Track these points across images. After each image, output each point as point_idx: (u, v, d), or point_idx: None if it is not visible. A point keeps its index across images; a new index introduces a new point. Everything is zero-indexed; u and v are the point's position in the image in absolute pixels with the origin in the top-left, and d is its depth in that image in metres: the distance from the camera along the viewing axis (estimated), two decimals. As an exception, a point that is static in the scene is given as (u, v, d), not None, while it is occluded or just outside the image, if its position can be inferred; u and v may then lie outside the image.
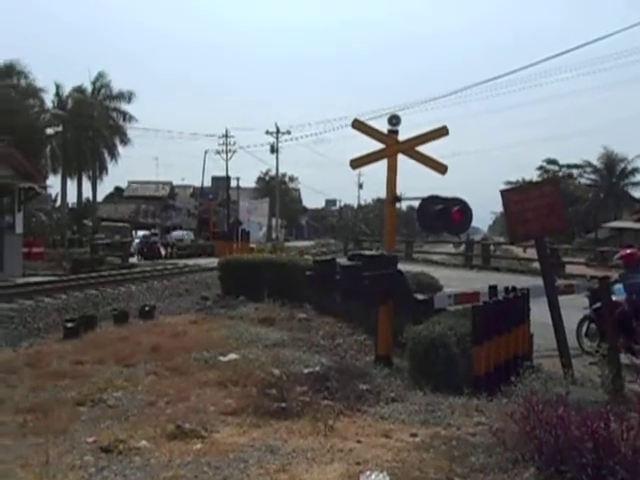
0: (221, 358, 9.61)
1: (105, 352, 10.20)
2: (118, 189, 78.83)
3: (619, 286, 11.06)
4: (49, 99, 52.10)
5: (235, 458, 5.43)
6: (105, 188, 70.68)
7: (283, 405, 7.02)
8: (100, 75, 55.44)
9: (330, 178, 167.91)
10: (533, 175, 72.49)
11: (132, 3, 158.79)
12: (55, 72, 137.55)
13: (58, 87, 52.81)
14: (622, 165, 63.49)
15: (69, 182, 53.37)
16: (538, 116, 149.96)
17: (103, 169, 55.35)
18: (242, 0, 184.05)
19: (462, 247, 40.87)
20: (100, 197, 64.77)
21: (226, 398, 7.50)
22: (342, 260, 11.40)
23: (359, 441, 5.93)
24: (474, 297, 10.52)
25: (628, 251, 11.74)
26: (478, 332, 8.17)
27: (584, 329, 11.66)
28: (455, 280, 19.54)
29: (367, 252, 12.54)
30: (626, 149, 66.61)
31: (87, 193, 56.72)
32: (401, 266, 10.65)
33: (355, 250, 35.30)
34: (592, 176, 66.69)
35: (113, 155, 55.34)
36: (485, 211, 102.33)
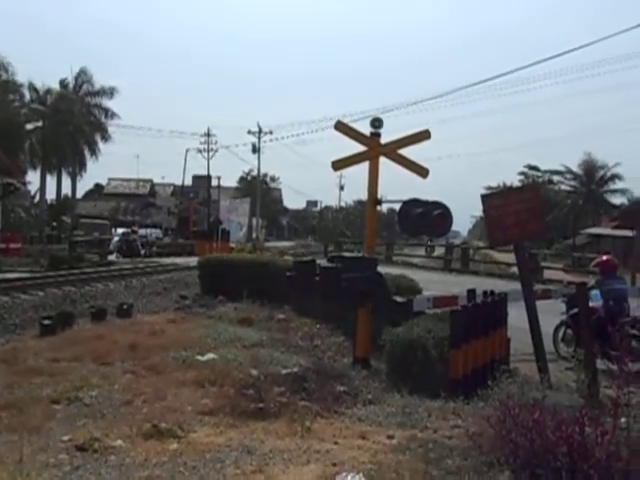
0: (199, 357, 9.57)
1: (82, 350, 10.12)
2: (98, 186, 78.46)
3: (596, 292, 11.17)
4: (30, 94, 51.79)
5: (212, 458, 5.41)
6: (85, 185, 70.40)
7: (260, 405, 7.01)
8: (82, 71, 55.19)
9: (312, 179, 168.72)
10: (514, 180, 73.18)
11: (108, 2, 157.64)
12: (38, 68, 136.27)
13: (30, 83, 52.43)
14: (601, 172, 64.10)
15: (48, 178, 53.13)
16: (520, 121, 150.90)
17: (83, 165, 55.08)
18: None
19: (434, 252, 41.10)
20: (80, 194, 64.54)
21: (203, 398, 7.47)
22: (322, 261, 11.40)
23: (336, 442, 5.93)
24: (452, 301, 10.58)
25: (605, 258, 11.87)
26: (456, 335, 8.21)
27: (560, 334, 11.76)
28: (434, 283, 19.62)
29: (347, 254, 12.53)
30: (606, 156, 67.18)
31: (66, 189, 56.47)
32: (381, 269, 10.67)
33: (335, 252, 35.34)
34: (572, 182, 67.24)
35: (93, 152, 55.08)
36: (465, 215, 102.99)
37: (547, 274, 29.65)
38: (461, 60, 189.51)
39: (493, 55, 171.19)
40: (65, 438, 5.93)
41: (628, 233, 39.01)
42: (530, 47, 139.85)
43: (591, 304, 10.36)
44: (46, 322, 12.30)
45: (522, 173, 74.01)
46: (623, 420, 5.06)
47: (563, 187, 69.22)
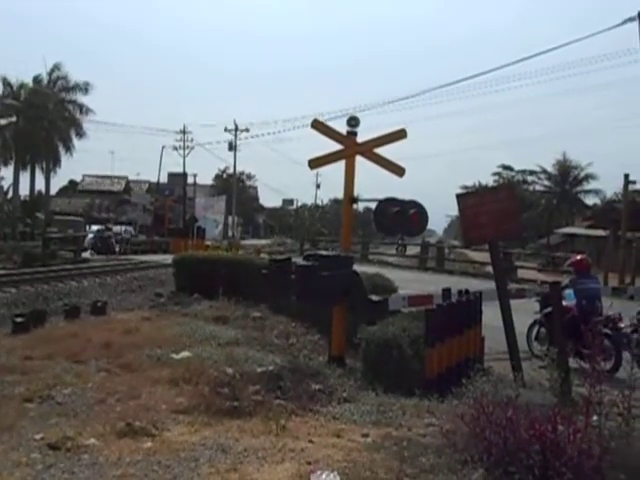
0: (173, 356, 9.51)
1: (55, 348, 10.01)
2: (72, 182, 77.76)
3: (569, 291, 11.29)
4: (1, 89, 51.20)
5: (186, 457, 5.39)
6: (59, 181, 69.73)
7: (235, 404, 6.99)
8: (56, 66, 54.56)
9: (288, 177, 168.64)
10: (489, 180, 73.72)
11: None
12: (11, 63, 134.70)
13: (4, 78, 51.84)
14: (575, 172, 64.74)
15: (22, 174, 52.45)
16: (495, 121, 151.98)
17: (57, 162, 54.43)
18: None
19: (406, 251, 41.25)
20: (54, 190, 63.87)
21: (178, 396, 7.43)
22: (298, 260, 11.40)
23: (311, 441, 5.93)
24: (428, 299, 10.64)
25: (578, 257, 12.00)
26: (431, 334, 8.25)
27: (534, 333, 11.87)
28: (410, 282, 19.70)
29: (323, 252, 12.55)
30: (580, 157, 68.01)
31: (40, 186, 55.83)
32: (357, 267, 10.69)
33: (311, 250, 35.37)
34: (546, 182, 67.86)
35: (68, 148, 54.46)
36: (440, 214, 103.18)
37: (521, 273, 29.93)
38: (440, 59, 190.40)
39: (475, 55, 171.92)
40: (37, 437, 5.87)
41: (601, 233, 39.55)
42: (513, 47, 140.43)
43: (564, 303, 10.48)
44: (18, 320, 12.15)
45: (496, 173, 74.65)
46: (595, 418, 5.12)
47: (537, 187, 69.85)
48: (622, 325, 10.69)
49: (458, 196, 9.42)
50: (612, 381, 6.06)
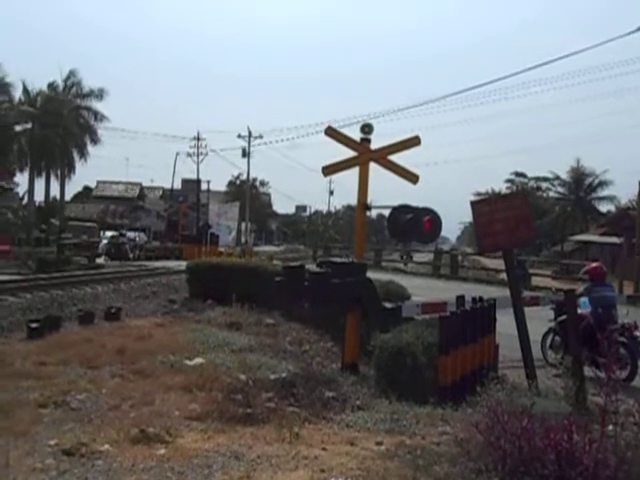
0: (187, 362, 9.54)
1: (69, 353, 10.05)
2: (87, 189, 78.15)
3: (584, 299, 11.23)
4: (17, 96, 51.55)
5: (199, 464, 5.39)
6: (74, 187, 70.13)
7: (249, 411, 6.98)
8: (72, 73, 54.94)
9: (301, 184, 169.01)
10: (502, 187, 73.51)
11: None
12: (26, 69, 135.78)
13: (24, 84, 52.25)
14: (590, 179, 64.44)
15: (37, 180, 52.77)
16: (509, 128, 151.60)
17: (72, 168, 54.75)
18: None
19: (411, 260, 41.16)
20: (68, 196, 64.24)
21: (191, 403, 7.44)
22: (311, 266, 11.40)
23: (324, 448, 5.91)
24: (441, 307, 10.60)
25: (593, 265, 11.93)
26: (445, 342, 8.21)
27: (549, 341, 11.81)
28: (423, 289, 19.66)
29: (336, 259, 12.54)
30: (595, 163, 67.81)
31: (55, 192, 56.16)
32: (370, 274, 10.67)
33: (324, 257, 35.37)
34: (560, 189, 67.58)
35: (82, 154, 54.79)
36: (454, 221, 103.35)
37: (535, 281, 29.81)
38: (454, 67, 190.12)
39: (487, 62, 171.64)
40: (52, 442, 5.89)
41: (616, 240, 39.30)
42: (525, 54, 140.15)
43: (579, 311, 10.41)
44: (33, 325, 12.20)
45: (510, 180, 74.41)
46: (611, 428, 5.07)
47: (551, 194, 69.61)
48: (637, 334, 10.61)
49: (472, 203, 9.39)
50: (628, 390, 6.02)
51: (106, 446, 5.77)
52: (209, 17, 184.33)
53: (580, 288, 11.77)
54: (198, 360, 9.62)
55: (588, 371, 7.99)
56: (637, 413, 5.25)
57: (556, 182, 67.95)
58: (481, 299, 9.56)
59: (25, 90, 52.39)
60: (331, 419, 7.11)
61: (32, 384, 8.15)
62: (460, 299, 9.68)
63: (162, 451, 5.71)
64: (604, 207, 64.58)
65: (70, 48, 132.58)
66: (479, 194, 65.30)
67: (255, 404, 7.22)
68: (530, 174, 72.89)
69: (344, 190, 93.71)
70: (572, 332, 8.53)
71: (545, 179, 69.83)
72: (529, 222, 9.74)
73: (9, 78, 48.89)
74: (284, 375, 8.70)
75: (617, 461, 4.66)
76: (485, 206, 9.65)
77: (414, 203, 10.31)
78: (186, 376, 8.61)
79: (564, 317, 10.34)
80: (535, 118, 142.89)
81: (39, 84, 53.86)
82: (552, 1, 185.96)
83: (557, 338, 11.52)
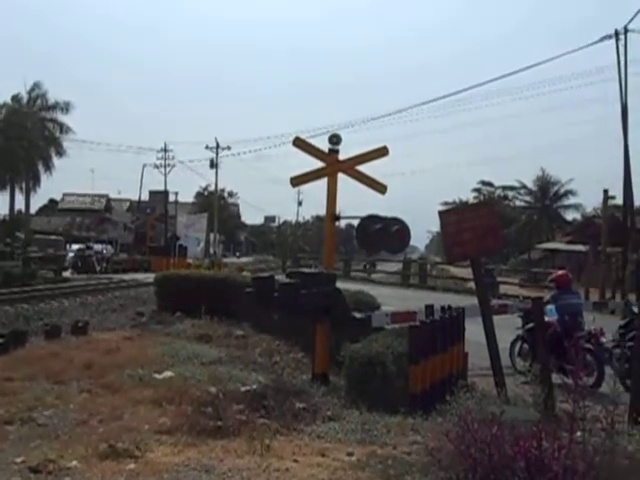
0: (156, 375, 9.45)
1: (36, 368, 9.90)
2: (52, 201, 77.29)
3: (551, 307, 11.35)
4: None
5: (169, 478, 5.33)
6: (39, 200, 69.21)
7: (219, 424, 6.93)
8: (36, 85, 54.39)
9: (270, 194, 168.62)
10: (469, 196, 74.22)
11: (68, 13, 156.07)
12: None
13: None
14: (555, 188, 65.33)
15: (1, 194, 52.11)
16: (475, 138, 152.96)
17: (37, 180, 54.12)
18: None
19: (374, 271, 41.18)
20: (34, 209, 63.44)
21: (161, 416, 7.36)
22: (281, 277, 11.39)
23: (295, 460, 5.89)
24: (411, 316, 10.64)
25: (560, 273, 12.08)
26: (414, 351, 8.24)
27: (517, 349, 11.91)
28: (393, 299, 19.71)
29: (306, 270, 12.54)
30: (559, 172, 68.78)
31: (20, 205, 55.43)
32: (339, 284, 10.68)
33: (294, 267, 35.33)
34: (526, 198, 68.45)
35: (48, 166, 54.18)
36: (422, 230, 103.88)
37: (503, 289, 30.06)
38: (420, 80, 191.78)
39: (453, 74, 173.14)
40: (18, 460, 5.78)
41: (581, 248, 39.81)
42: (494, 64, 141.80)
43: (547, 319, 10.52)
44: (-2, 340, 12.03)
45: (477, 189, 75.17)
46: (579, 434, 5.12)
47: (518, 203, 70.44)
48: (604, 340, 10.75)
49: (440, 213, 9.47)
50: (595, 396, 6.07)
51: (74, 462, 5.68)
52: (174, 22, 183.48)
53: (547, 296, 11.90)
54: (167, 373, 9.54)
55: (556, 378, 8.07)
56: (604, 419, 5.32)
57: (522, 191, 68.93)
58: (450, 308, 9.61)
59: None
60: (302, 430, 7.09)
61: (-3, 400, 8.02)
62: (429, 308, 9.73)
63: (132, 466, 5.64)
64: (570, 215, 65.63)
65: (37, 54, 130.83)
66: (447, 203, 65.83)
67: (225, 417, 7.17)
68: (497, 183, 73.79)
69: (313, 200, 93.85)
70: (540, 340, 8.61)
71: (512, 188, 70.77)
72: (496, 231, 9.84)
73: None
74: (254, 387, 8.66)
75: (585, 467, 4.70)
76: (453, 216, 9.73)
77: (382, 213, 10.37)
78: (155, 390, 8.53)
79: (532, 325, 10.44)
80: (501, 128, 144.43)
81: (3, 97, 53.31)
82: (529, 14, 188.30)
83: (525, 346, 11.62)
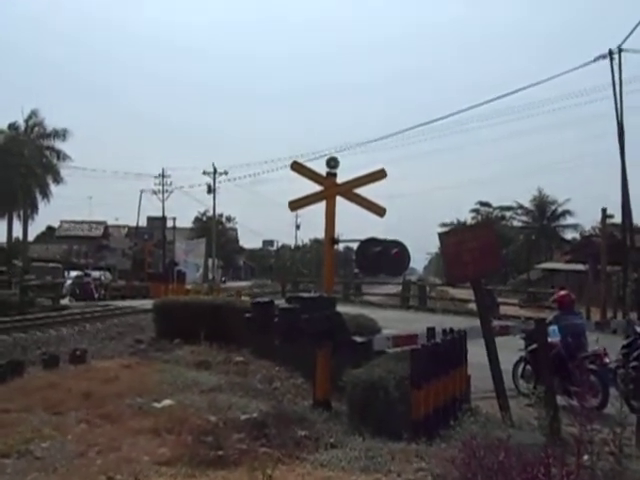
0: (155, 404, 9.33)
1: (33, 399, 9.78)
2: (50, 228, 77.29)
3: (554, 327, 11.25)
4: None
5: (169, 511, 5.22)
6: (37, 227, 69.18)
7: (220, 453, 6.83)
8: (33, 113, 54.59)
9: (268, 219, 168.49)
10: (467, 217, 74.40)
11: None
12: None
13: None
14: (553, 207, 65.48)
15: (-1, 221, 52.09)
16: (472, 158, 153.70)
17: (34, 208, 54.17)
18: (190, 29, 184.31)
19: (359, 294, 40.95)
20: (31, 237, 63.36)
21: (160, 447, 7.25)
22: (280, 301, 11.31)
23: (298, 490, 5.78)
24: (412, 339, 10.53)
25: (561, 293, 11.98)
26: (416, 375, 8.14)
27: (520, 370, 11.80)
28: (393, 321, 19.57)
29: (305, 294, 12.45)
30: (556, 192, 69.06)
31: (18, 232, 55.41)
32: (339, 308, 10.59)
33: (293, 291, 35.23)
34: (524, 218, 68.61)
35: (45, 194, 54.26)
36: (420, 252, 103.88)
37: (503, 309, 29.90)
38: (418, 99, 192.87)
39: (448, 92, 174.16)
40: (15, 494, 5.68)
41: (581, 267, 39.77)
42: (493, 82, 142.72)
43: (549, 340, 10.42)
44: (-5, 371, 11.90)
45: (475, 210, 75.33)
46: (586, 458, 5.02)
47: (515, 223, 70.60)
48: (607, 360, 10.65)
49: (440, 235, 9.42)
50: (600, 418, 5.98)
51: (72, 496, 5.57)
52: (169, 55, 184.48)
53: (549, 316, 11.81)
54: (167, 402, 9.43)
55: (560, 400, 7.97)
56: (612, 442, 5.22)
57: (520, 211, 69.16)
58: (451, 330, 9.52)
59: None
60: (304, 459, 6.97)
61: (-6, 432, 7.89)
62: (430, 331, 9.64)
63: (131, 499, 5.53)
64: (568, 235, 65.67)
65: (31, 88, 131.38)
66: (445, 225, 66.08)
67: (226, 446, 7.06)
68: (494, 204, 73.95)
69: (310, 223, 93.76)
70: (544, 361, 8.52)
71: (509, 208, 70.96)
72: (497, 251, 9.79)
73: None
74: (255, 415, 8.54)
75: (595, 492, 4.61)
76: (452, 237, 9.69)
77: (380, 235, 10.33)
78: (154, 419, 8.41)
79: (535, 346, 10.34)
80: (497, 148, 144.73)
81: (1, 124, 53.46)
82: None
83: (528, 367, 11.51)
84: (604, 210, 31.00)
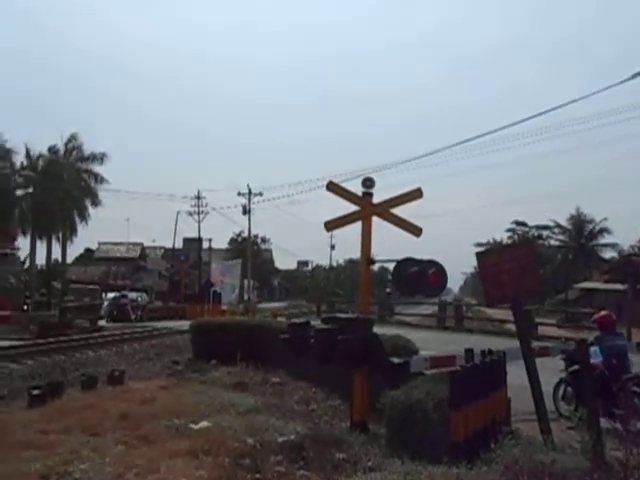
0: (192, 426, 9.33)
1: (72, 420, 9.85)
2: (88, 250, 78.32)
3: (595, 348, 11.02)
4: (19, 160, 52.11)
5: (207, 535, 5.18)
6: (75, 249, 70.06)
7: (257, 476, 6.80)
8: (72, 137, 55.47)
9: (302, 239, 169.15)
10: (503, 236, 73.69)
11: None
12: (27, 133, 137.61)
13: (27, 147, 52.80)
14: (590, 226, 64.62)
15: (38, 244, 52.87)
16: (506, 177, 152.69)
17: (73, 230, 54.90)
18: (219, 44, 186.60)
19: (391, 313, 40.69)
20: (70, 259, 64.15)
21: (198, 469, 7.23)
22: (316, 322, 11.27)
23: (337, 514, 5.70)
24: (450, 360, 10.38)
25: (602, 314, 11.75)
26: (456, 397, 8.01)
27: (560, 392, 11.58)
28: (430, 342, 19.41)
29: (342, 315, 12.39)
30: (593, 210, 68.24)
31: (57, 254, 56.19)
32: (376, 328, 10.51)
33: (328, 312, 35.16)
34: (561, 237, 67.76)
35: (83, 216, 54.99)
36: (456, 272, 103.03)
37: (541, 330, 29.52)
38: (455, 119, 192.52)
39: (486, 115, 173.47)
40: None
41: (620, 287, 39.14)
42: (524, 105, 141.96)
43: (591, 361, 10.22)
44: (35, 392, 12.02)
45: (510, 229, 74.62)
46: (633, 483, 4.88)
47: (552, 242, 69.74)
48: (651, 383, 10.39)
49: (478, 255, 9.28)
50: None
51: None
52: (204, 76, 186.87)
53: (590, 337, 11.59)
54: (204, 423, 9.42)
55: (603, 423, 7.78)
56: (660, 468, 5.07)
57: (557, 230, 68.26)
58: (490, 352, 9.37)
59: (27, 154, 52.96)
60: (343, 482, 6.90)
61: (33, 454, 7.95)
62: (469, 352, 9.50)
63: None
64: (606, 254, 64.65)
65: (68, 113, 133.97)
66: (480, 244, 65.54)
67: (264, 469, 7.02)
68: (530, 223, 73.20)
69: (345, 243, 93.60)
70: (586, 383, 8.33)
71: (546, 227, 70.14)
72: (536, 271, 9.66)
73: (11, 143, 49.56)
74: (292, 437, 8.49)
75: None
76: (490, 257, 9.55)
77: (414, 254, 10.23)
78: (192, 441, 8.40)
79: (576, 367, 10.14)
80: (532, 167, 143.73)
81: (40, 148, 54.42)
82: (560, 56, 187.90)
83: (569, 389, 11.30)
84: (644, 228, 30.49)
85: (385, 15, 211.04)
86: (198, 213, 63.01)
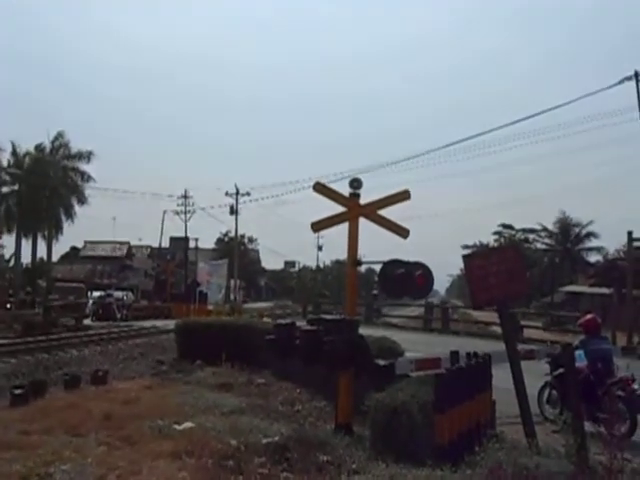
0: (176, 427, 9.26)
1: (54, 420, 9.75)
2: (74, 249, 77.95)
3: (580, 352, 11.03)
4: (5, 157, 51.81)
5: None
6: (61, 248, 69.72)
7: (241, 478, 6.75)
8: (59, 135, 55.20)
9: (289, 239, 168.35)
10: (490, 239, 73.93)
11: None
12: (13, 131, 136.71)
13: (14, 145, 52.52)
14: (576, 230, 64.95)
15: (24, 242, 52.57)
16: (492, 181, 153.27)
17: (59, 229, 54.62)
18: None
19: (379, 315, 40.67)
20: (55, 257, 63.84)
21: (180, 470, 7.17)
22: (301, 323, 11.23)
23: (320, 517, 5.66)
24: (436, 363, 10.38)
25: (588, 317, 11.77)
26: (440, 399, 7.99)
27: (545, 396, 11.60)
28: (416, 344, 19.42)
29: (327, 316, 12.35)
30: (578, 215, 68.58)
31: (42, 253, 55.89)
32: (361, 330, 10.48)
33: (314, 313, 35.11)
34: (547, 240, 68.08)
35: (70, 215, 54.72)
36: (442, 274, 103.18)
37: (526, 333, 29.63)
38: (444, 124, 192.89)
39: (473, 118, 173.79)
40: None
41: (605, 291, 39.33)
42: (514, 107, 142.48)
43: (576, 364, 10.23)
44: (17, 391, 11.89)
45: (497, 232, 74.90)
46: (617, 488, 4.88)
47: (539, 245, 70.07)
48: (636, 387, 10.42)
49: (464, 257, 9.25)
50: (629, 446, 5.83)
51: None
52: (194, 75, 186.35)
53: (575, 341, 11.60)
54: (187, 424, 9.36)
55: (587, 427, 7.78)
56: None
57: (543, 233, 68.59)
58: (476, 354, 9.36)
59: (14, 152, 52.64)
60: (327, 485, 6.86)
61: (14, 455, 7.84)
62: (454, 355, 9.49)
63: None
64: (592, 258, 64.98)
65: (55, 110, 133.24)
66: (467, 247, 65.75)
67: (247, 470, 6.97)
68: (517, 226, 73.47)
69: (332, 245, 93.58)
70: (571, 387, 8.33)
71: (532, 230, 70.44)
72: (523, 274, 9.64)
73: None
74: (277, 438, 8.43)
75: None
76: (477, 260, 9.52)
77: (401, 256, 10.20)
78: (175, 442, 8.34)
79: (561, 371, 10.15)
80: (517, 171, 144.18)
81: (27, 146, 54.12)
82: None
83: (554, 392, 11.31)
84: (630, 233, 30.62)
85: (374, 15, 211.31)
86: (185, 212, 62.94)
